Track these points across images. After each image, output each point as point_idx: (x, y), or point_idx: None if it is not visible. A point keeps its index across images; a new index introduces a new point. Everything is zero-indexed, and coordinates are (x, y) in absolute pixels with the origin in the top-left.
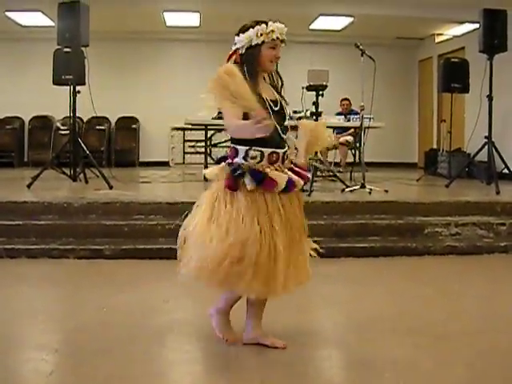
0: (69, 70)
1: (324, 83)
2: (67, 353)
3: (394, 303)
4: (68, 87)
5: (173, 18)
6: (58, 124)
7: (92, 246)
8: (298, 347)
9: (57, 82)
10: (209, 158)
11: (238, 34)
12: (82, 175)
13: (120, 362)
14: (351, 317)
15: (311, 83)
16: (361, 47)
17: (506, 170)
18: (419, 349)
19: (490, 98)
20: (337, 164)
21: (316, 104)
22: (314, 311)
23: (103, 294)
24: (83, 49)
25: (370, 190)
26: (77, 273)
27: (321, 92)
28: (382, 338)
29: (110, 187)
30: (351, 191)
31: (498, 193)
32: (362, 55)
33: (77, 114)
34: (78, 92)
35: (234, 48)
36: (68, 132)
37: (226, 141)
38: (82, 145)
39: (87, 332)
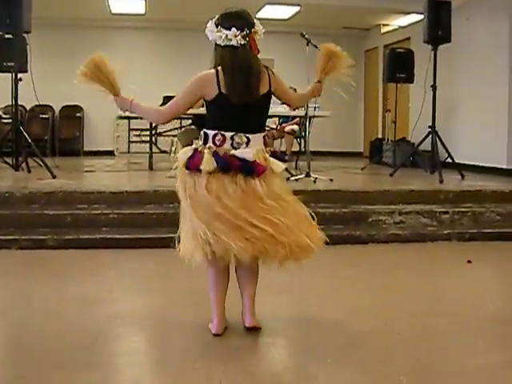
0: (10, 56)
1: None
2: (9, 345)
3: (338, 290)
4: (10, 74)
5: (118, 6)
6: (0, 112)
7: (35, 236)
8: (244, 335)
9: None
10: (154, 147)
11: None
12: (24, 165)
13: (63, 353)
14: (294, 305)
15: None
16: (306, 36)
17: (449, 159)
18: (362, 336)
19: (434, 88)
20: (282, 153)
21: None
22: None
23: (47, 286)
24: (25, 35)
25: (315, 178)
26: (19, 264)
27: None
28: (324, 326)
29: (53, 177)
30: (296, 180)
31: (441, 181)
32: (307, 44)
33: (19, 103)
34: (20, 80)
35: None
36: (10, 121)
37: (171, 129)
38: (25, 134)
39: (31, 324)
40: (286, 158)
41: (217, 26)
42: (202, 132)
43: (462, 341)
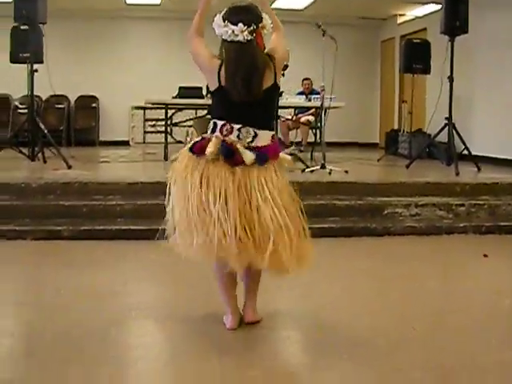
0: (26, 48)
1: (285, 63)
2: (23, 336)
3: (353, 283)
4: (26, 65)
5: None
6: (16, 103)
7: (50, 226)
8: (256, 328)
9: (14, 60)
10: (169, 137)
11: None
12: (40, 155)
13: (76, 346)
14: (308, 298)
15: None
16: (322, 27)
17: (465, 151)
18: (375, 330)
19: (451, 79)
20: (298, 143)
21: None
22: (273, 293)
23: (61, 276)
24: (41, 26)
25: (330, 170)
26: (34, 254)
27: (282, 72)
28: (339, 319)
29: (69, 167)
30: (311, 171)
31: (457, 174)
32: (323, 35)
33: (35, 93)
34: (36, 71)
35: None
36: (26, 111)
37: (186, 120)
38: (41, 124)
39: (44, 315)
40: (302, 148)
41: (224, 21)
42: (211, 122)
43: (476, 336)
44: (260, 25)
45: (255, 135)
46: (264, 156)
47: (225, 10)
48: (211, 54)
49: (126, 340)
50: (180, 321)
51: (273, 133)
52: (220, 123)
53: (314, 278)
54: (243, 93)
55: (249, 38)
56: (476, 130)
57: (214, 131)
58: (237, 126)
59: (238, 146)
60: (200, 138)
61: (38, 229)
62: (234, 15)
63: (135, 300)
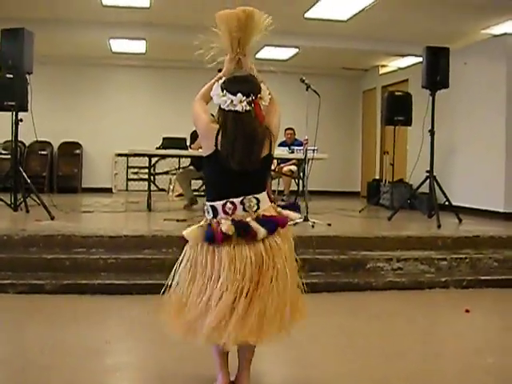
0: (11, 96)
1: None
2: None
3: (336, 343)
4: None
5: (118, 45)
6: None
7: (32, 280)
8: None
9: None
10: (152, 186)
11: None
12: (23, 204)
13: None
14: (292, 360)
15: None
16: (306, 82)
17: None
18: None
19: (431, 132)
20: (280, 192)
21: None
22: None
23: (43, 334)
24: (27, 76)
25: (314, 223)
26: (16, 309)
27: None
28: (323, 381)
29: (52, 218)
30: (294, 224)
31: (439, 226)
32: (307, 89)
33: (19, 138)
34: (21, 120)
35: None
36: (9, 156)
37: (169, 171)
38: (24, 174)
39: (26, 379)
40: (284, 198)
41: (222, 90)
42: (207, 206)
43: None
44: (259, 95)
45: (258, 201)
46: (273, 225)
47: (223, 79)
48: (211, 119)
49: None
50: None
51: (266, 191)
52: (219, 204)
53: (297, 338)
54: (245, 161)
55: (247, 109)
56: (457, 181)
57: (215, 215)
58: (238, 200)
59: (250, 221)
60: (206, 225)
61: (21, 282)
62: (232, 85)
63: (120, 360)
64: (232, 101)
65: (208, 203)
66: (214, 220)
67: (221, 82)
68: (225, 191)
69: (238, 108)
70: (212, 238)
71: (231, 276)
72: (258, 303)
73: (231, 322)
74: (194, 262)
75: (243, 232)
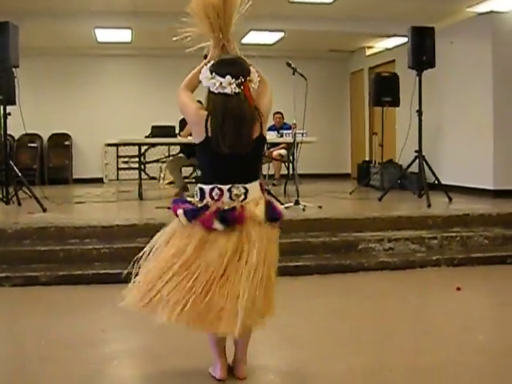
0: None
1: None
2: None
3: (329, 325)
4: None
5: (104, 35)
6: None
7: (27, 272)
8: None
9: None
10: (143, 174)
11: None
12: (14, 197)
13: None
14: (284, 343)
15: None
16: (292, 65)
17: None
18: (353, 373)
19: (419, 112)
20: (271, 176)
21: None
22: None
23: (40, 325)
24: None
25: (304, 206)
26: (12, 302)
27: None
28: (316, 363)
29: (44, 210)
30: (286, 208)
31: (429, 206)
32: (293, 73)
33: (8, 132)
34: (9, 114)
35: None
36: None
37: (159, 159)
38: (15, 168)
39: (24, 370)
40: (275, 182)
41: (211, 73)
42: (197, 188)
43: (451, 375)
44: (248, 78)
45: (246, 191)
46: (276, 214)
47: (212, 62)
48: (198, 106)
49: None
50: (165, 372)
51: (259, 181)
52: (207, 188)
53: (291, 320)
54: (236, 144)
55: (236, 91)
56: (446, 160)
57: (202, 198)
58: (226, 187)
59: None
60: (185, 202)
61: (15, 275)
62: (221, 67)
63: (117, 349)
64: (221, 83)
65: (198, 185)
66: (198, 202)
67: (209, 64)
68: (215, 177)
69: (227, 90)
70: (194, 217)
71: (203, 261)
72: (230, 290)
73: (194, 304)
74: (172, 240)
75: (231, 223)
